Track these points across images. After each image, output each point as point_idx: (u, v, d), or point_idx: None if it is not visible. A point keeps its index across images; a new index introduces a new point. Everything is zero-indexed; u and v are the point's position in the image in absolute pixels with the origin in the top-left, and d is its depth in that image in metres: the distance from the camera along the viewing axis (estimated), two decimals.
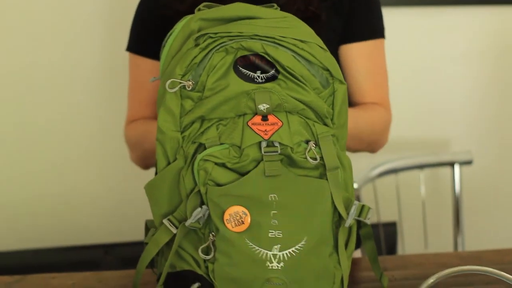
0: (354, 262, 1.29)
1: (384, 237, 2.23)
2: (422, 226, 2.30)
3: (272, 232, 1.07)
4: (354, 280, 1.20)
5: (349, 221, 1.11)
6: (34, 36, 2.37)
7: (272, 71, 1.09)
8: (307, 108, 1.10)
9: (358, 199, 1.70)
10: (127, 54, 1.62)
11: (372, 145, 1.60)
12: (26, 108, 2.40)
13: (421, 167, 2.22)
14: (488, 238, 2.59)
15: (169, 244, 1.11)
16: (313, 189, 1.09)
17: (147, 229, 1.21)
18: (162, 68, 1.14)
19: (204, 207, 1.07)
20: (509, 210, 2.63)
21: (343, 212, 1.10)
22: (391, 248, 2.37)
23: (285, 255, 1.07)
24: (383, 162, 2.16)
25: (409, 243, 2.35)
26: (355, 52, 1.57)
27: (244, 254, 1.07)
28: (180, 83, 1.09)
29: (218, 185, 1.07)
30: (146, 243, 1.15)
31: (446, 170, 2.32)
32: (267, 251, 1.07)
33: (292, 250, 1.08)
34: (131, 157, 1.62)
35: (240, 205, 1.07)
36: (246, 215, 1.07)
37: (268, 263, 1.07)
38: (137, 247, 1.34)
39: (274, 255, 1.07)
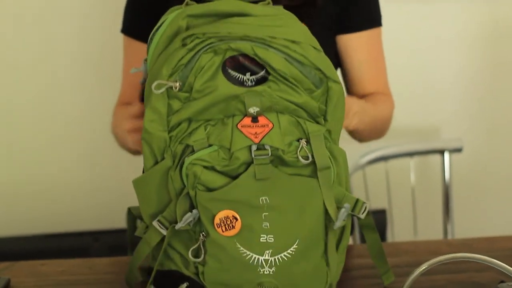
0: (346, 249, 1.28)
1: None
2: (411, 214, 2.31)
3: (264, 237, 1.05)
4: (345, 268, 1.20)
5: (338, 224, 1.08)
6: (19, 13, 2.35)
7: (262, 72, 1.06)
8: (299, 108, 1.08)
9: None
10: (110, 36, 1.61)
11: (381, 135, 1.63)
12: (14, 93, 2.39)
13: (411, 154, 2.22)
14: (477, 225, 2.59)
15: (160, 242, 1.10)
16: (304, 189, 1.07)
17: (131, 215, 1.20)
18: (149, 64, 1.11)
19: (195, 211, 1.05)
20: (498, 197, 2.63)
21: (333, 214, 1.08)
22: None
23: (276, 260, 1.06)
24: (373, 150, 2.16)
25: (399, 231, 2.35)
26: (355, 43, 1.55)
27: (235, 259, 1.06)
28: (167, 84, 1.06)
29: (208, 188, 1.05)
30: (136, 236, 1.15)
31: (436, 157, 2.32)
32: (258, 256, 1.06)
33: (284, 255, 1.06)
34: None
35: (230, 209, 1.05)
36: (236, 219, 1.05)
37: (259, 268, 1.06)
38: (126, 234, 1.33)
39: (266, 260, 1.06)
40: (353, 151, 1.66)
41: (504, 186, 2.63)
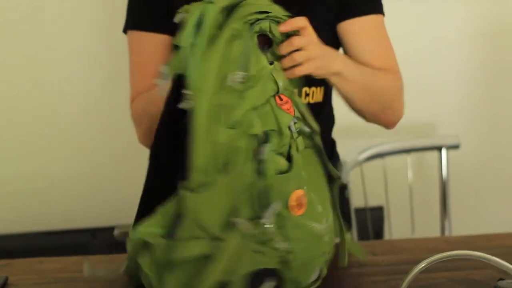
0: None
1: (371, 222, 2.23)
2: (409, 211, 2.30)
3: (318, 207, 1.10)
4: (335, 266, 1.20)
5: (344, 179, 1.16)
6: (21, 13, 2.35)
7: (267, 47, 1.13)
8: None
9: (346, 183, 1.70)
10: (107, 35, 1.60)
11: (386, 110, 1.55)
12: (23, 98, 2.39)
13: (408, 151, 2.22)
14: (475, 222, 2.59)
15: None
16: (313, 158, 1.14)
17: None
18: (211, 66, 1.08)
19: (275, 204, 1.05)
20: (496, 194, 2.64)
21: (333, 171, 1.16)
22: (378, 233, 2.37)
23: (328, 226, 1.12)
24: (370, 146, 2.16)
25: (396, 228, 2.35)
26: (358, 27, 1.53)
27: (310, 235, 1.09)
28: (234, 78, 1.07)
29: (280, 173, 1.07)
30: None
31: (433, 154, 2.32)
32: (320, 225, 1.10)
33: (330, 219, 1.12)
34: (138, 137, 1.57)
35: (299, 188, 1.07)
36: (304, 196, 1.08)
37: (323, 237, 1.11)
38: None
39: (325, 228, 1.11)
40: (351, 148, 1.66)
41: (501, 183, 2.64)
